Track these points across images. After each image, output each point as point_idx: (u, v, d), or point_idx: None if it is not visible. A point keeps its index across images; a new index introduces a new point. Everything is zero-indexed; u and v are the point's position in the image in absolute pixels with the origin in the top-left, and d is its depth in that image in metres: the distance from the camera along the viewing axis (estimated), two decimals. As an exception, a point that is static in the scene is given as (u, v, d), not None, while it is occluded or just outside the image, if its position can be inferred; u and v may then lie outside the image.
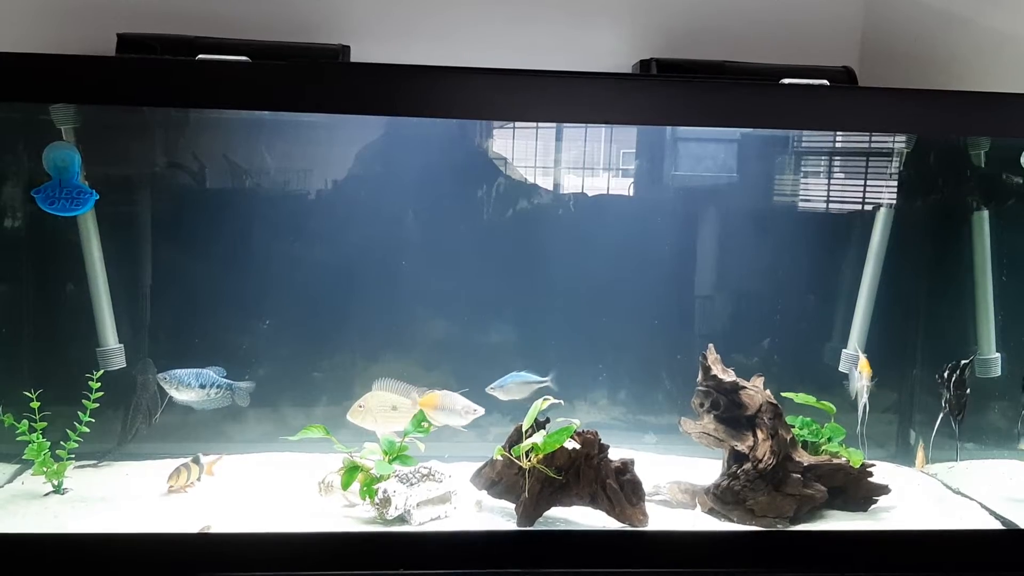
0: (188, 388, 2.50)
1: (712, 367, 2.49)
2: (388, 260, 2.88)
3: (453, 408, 2.54)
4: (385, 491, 2.32)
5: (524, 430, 2.35)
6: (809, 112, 2.30)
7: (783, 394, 2.65)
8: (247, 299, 2.84)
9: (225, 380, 2.53)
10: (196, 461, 2.52)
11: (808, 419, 2.63)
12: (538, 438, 2.29)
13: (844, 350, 2.87)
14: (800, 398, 2.66)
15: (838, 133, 2.94)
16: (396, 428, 2.49)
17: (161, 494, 2.47)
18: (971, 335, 2.80)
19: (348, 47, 2.73)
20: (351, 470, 2.37)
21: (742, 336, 2.98)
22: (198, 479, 2.52)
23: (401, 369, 2.70)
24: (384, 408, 2.50)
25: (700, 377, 2.52)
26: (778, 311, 3.01)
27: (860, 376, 2.73)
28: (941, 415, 2.71)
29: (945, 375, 2.69)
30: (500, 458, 2.37)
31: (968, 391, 2.68)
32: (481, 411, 2.56)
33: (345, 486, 2.36)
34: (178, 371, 2.53)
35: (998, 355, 2.76)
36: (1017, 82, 2.60)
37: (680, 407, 2.72)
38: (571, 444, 2.28)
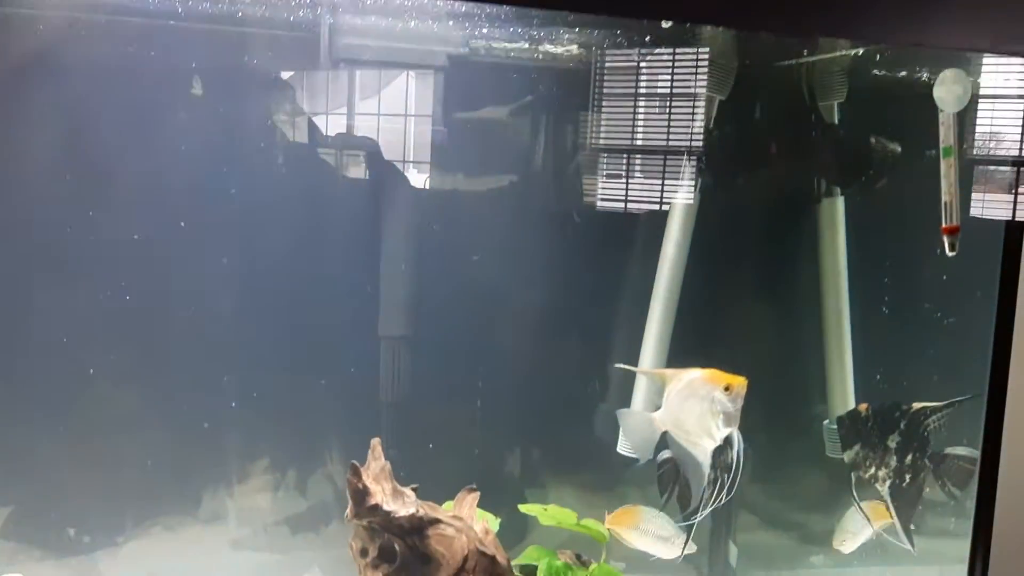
0: None
1: (370, 488, 1.34)
2: None
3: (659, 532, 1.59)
4: None
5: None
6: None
7: (521, 508, 1.56)
8: None
9: None
10: None
11: (562, 562, 1.52)
12: None
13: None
14: (549, 516, 1.55)
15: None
16: None
17: None
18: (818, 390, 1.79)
19: None
20: None
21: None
22: None
23: None
24: None
25: (350, 508, 1.36)
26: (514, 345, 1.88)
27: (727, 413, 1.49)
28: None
29: None
30: None
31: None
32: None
33: None
34: None
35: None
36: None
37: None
38: None
